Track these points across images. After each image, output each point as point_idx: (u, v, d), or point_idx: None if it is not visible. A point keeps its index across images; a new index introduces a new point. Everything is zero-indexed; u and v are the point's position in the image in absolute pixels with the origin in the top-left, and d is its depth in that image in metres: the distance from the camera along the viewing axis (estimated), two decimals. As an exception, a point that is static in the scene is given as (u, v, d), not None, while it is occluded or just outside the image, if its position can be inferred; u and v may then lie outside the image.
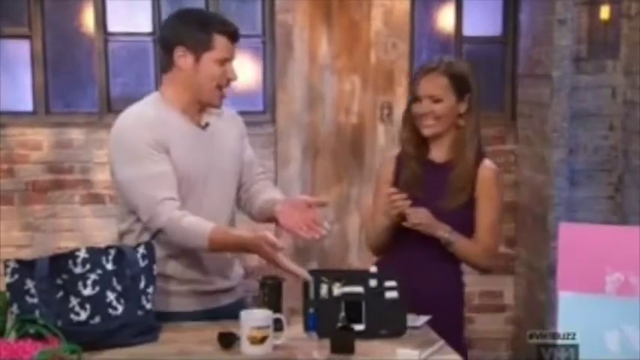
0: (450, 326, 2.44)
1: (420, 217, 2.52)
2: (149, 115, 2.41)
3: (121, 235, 2.48)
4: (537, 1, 4.37)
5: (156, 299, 2.30)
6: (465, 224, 2.59)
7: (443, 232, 2.54)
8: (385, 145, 4.39)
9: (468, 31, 4.73)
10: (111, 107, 4.57)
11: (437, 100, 2.57)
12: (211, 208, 2.43)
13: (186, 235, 2.31)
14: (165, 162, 2.36)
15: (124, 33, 4.62)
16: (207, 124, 2.48)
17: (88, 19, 4.56)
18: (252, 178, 2.62)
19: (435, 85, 2.57)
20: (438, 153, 2.64)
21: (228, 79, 2.43)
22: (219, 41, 2.39)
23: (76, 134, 4.51)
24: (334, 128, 4.46)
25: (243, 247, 2.36)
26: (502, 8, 4.74)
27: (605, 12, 4.29)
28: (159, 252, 2.37)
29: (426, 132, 2.60)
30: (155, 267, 2.25)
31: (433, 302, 2.45)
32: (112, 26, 4.57)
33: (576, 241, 1.56)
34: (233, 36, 2.42)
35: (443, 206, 2.55)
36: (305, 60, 4.41)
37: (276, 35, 4.45)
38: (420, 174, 2.62)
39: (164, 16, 4.55)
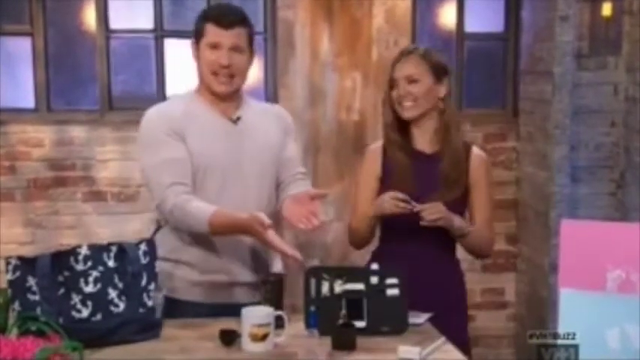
0: (456, 322, 2.45)
1: (438, 211, 2.44)
2: (171, 107, 2.50)
3: (158, 222, 2.52)
4: (539, -2, 4.36)
5: (172, 287, 2.39)
6: (462, 216, 2.57)
7: (460, 222, 2.51)
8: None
9: (470, 27, 4.73)
10: (112, 105, 4.57)
11: (413, 81, 2.54)
12: (231, 201, 2.41)
13: (190, 218, 2.34)
14: (180, 149, 2.40)
15: (126, 30, 4.62)
16: (238, 118, 2.50)
17: (89, 16, 4.56)
18: (289, 177, 2.57)
19: (410, 65, 2.55)
20: (424, 142, 2.59)
21: (220, 65, 2.43)
22: (208, 27, 2.45)
23: (77, 132, 4.51)
24: (336, 125, 4.46)
25: (240, 229, 2.36)
26: (504, 5, 4.74)
27: (607, 8, 4.28)
28: (175, 239, 2.43)
29: (406, 114, 2.56)
30: (157, 264, 2.25)
31: (441, 299, 2.45)
32: (114, 23, 4.57)
33: (578, 238, 1.56)
34: (219, 21, 2.44)
35: (439, 199, 2.47)
36: (306, 57, 4.41)
37: (278, 32, 4.45)
38: (409, 166, 2.55)
39: (165, 13, 4.56)
